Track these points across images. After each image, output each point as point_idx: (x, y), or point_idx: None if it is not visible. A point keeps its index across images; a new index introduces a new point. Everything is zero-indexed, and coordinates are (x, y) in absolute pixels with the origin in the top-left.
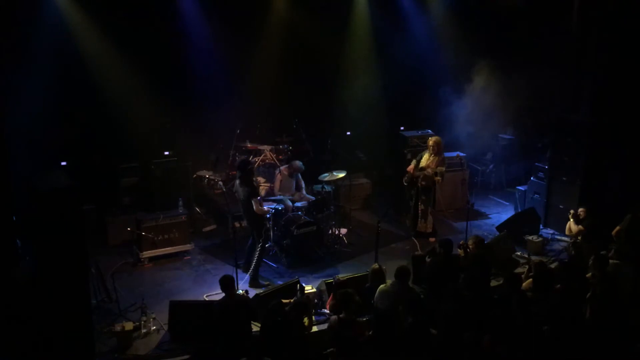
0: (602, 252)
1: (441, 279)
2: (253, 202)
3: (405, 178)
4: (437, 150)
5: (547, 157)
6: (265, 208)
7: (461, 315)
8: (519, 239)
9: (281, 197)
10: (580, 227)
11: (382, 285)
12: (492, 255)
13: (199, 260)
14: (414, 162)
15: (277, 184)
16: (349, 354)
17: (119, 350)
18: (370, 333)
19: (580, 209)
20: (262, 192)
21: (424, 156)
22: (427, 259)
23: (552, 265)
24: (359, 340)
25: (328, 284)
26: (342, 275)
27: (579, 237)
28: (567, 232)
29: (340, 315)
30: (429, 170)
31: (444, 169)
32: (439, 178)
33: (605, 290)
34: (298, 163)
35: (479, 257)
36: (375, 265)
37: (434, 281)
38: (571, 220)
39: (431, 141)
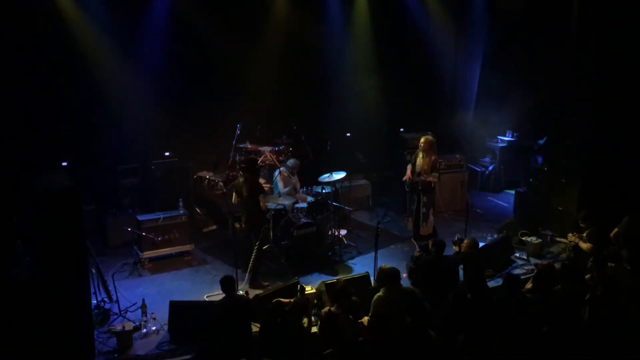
0: (600, 254)
1: (430, 279)
2: (260, 198)
3: (407, 186)
4: (428, 149)
5: (546, 159)
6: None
7: (461, 316)
8: (518, 240)
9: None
10: (589, 245)
11: (376, 295)
12: (490, 257)
13: (199, 260)
14: (409, 166)
15: (281, 183)
16: (346, 355)
17: (118, 350)
18: (366, 335)
19: (579, 219)
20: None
21: (418, 156)
22: (417, 253)
23: None
24: (357, 341)
25: (328, 285)
26: (341, 276)
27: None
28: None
29: (331, 308)
30: (424, 176)
31: (437, 174)
32: (433, 179)
33: (604, 292)
34: (293, 160)
35: (468, 256)
36: (384, 266)
37: (423, 279)
38: (579, 242)
39: (422, 140)
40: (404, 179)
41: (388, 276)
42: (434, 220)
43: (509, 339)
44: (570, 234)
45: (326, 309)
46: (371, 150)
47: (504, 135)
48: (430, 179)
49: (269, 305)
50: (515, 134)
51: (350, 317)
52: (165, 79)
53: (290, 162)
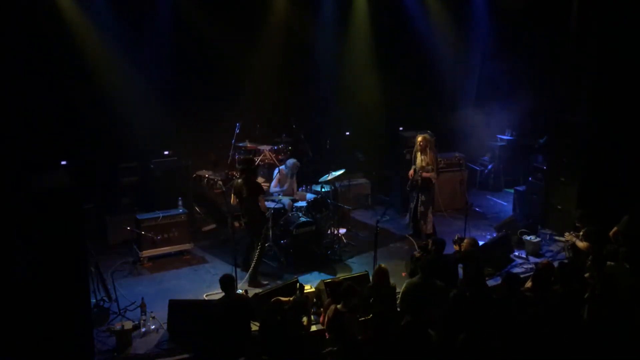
0: (600, 253)
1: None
2: (260, 198)
3: (408, 185)
4: (426, 148)
5: (545, 158)
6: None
7: (461, 315)
8: (517, 239)
9: (281, 196)
10: (585, 243)
11: (409, 281)
12: (489, 256)
13: (199, 259)
14: (413, 167)
15: (275, 182)
16: (348, 353)
17: (118, 349)
18: (369, 333)
19: (576, 219)
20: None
21: (417, 155)
22: (417, 253)
23: None
24: (359, 340)
25: (327, 284)
26: (341, 275)
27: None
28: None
29: (338, 306)
30: (420, 172)
31: (434, 173)
32: (432, 174)
33: (603, 291)
34: (293, 161)
35: (468, 255)
36: (381, 265)
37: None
38: (576, 241)
39: (419, 138)
40: (409, 174)
41: (426, 265)
42: (432, 220)
43: (509, 338)
44: (567, 233)
45: (332, 307)
46: (370, 149)
47: (504, 134)
48: (428, 174)
49: (268, 304)
50: (514, 133)
51: (356, 316)
52: (164, 78)
53: (290, 162)
